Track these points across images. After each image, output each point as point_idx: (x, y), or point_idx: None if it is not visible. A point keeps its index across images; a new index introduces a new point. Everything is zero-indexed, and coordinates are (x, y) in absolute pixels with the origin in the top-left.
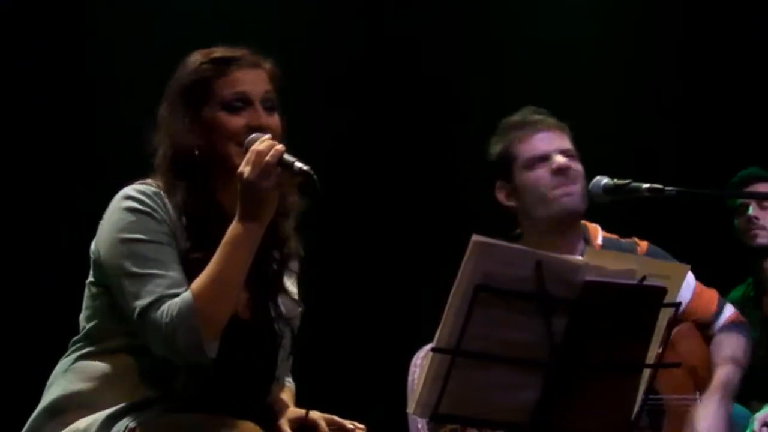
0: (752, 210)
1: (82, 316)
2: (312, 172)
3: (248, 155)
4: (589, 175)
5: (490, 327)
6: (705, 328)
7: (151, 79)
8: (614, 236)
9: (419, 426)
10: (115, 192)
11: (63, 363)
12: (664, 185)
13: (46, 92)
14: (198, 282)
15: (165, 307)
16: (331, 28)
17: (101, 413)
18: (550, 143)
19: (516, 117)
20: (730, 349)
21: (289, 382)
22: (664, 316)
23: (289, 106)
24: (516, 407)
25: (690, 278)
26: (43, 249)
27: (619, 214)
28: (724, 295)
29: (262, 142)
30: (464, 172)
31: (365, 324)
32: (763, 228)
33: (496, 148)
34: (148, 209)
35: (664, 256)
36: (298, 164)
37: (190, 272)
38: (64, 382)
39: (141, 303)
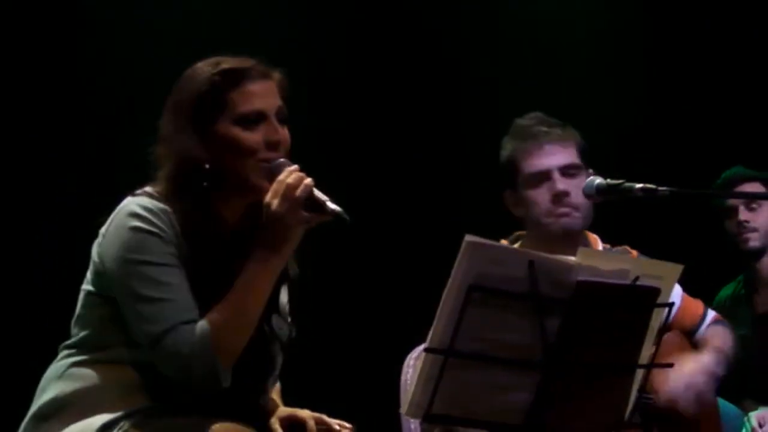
0: (741, 214)
1: (75, 322)
2: (345, 215)
3: (276, 186)
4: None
5: (483, 327)
6: (691, 335)
7: (141, 81)
8: (607, 246)
9: (412, 427)
10: (107, 194)
11: (55, 368)
12: (657, 185)
13: (31, 90)
14: (216, 312)
15: (181, 335)
16: (327, 24)
17: (96, 419)
18: (552, 159)
19: (524, 122)
20: (716, 341)
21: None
22: (657, 316)
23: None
24: (509, 407)
25: (677, 288)
26: (30, 250)
27: (611, 214)
28: (715, 292)
29: (291, 174)
30: (458, 173)
31: (358, 324)
32: (754, 230)
33: (504, 153)
34: (156, 230)
35: None
36: (331, 205)
37: (198, 288)
38: (57, 387)
39: (155, 329)
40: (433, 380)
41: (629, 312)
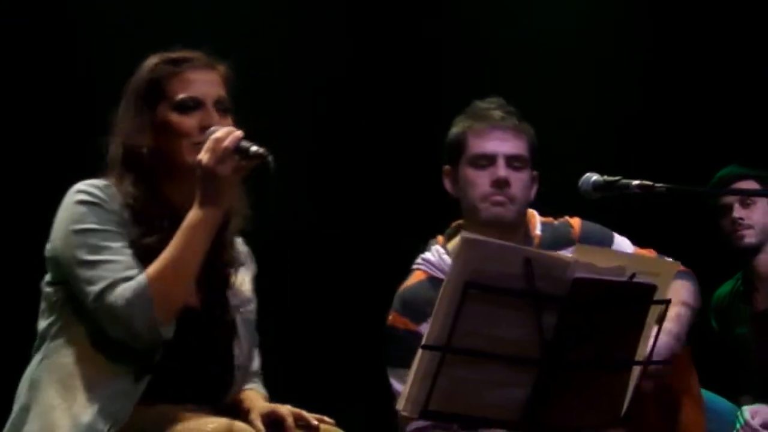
0: (736, 211)
1: (40, 322)
2: (267, 154)
3: (207, 143)
4: (578, 173)
5: (479, 324)
6: None
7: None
8: (549, 219)
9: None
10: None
11: (32, 368)
12: (654, 182)
13: (29, 90)
14: (154, 265)
15: (119, 289)
16: (320, 27)
17: (79, 420)
18: (500, 145)
19: (483, 104)
20: (678, 294)
21: (261, 389)
22: (654, 313)
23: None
24: (506, 404)
25: (627, 243)
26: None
27: (608, 209)
28: (713, 290)
29: (219, 130)
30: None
31: (355, 320)
32: (750, 227)
33: (454, 129)
34: (97, 200)
35: (600, 232)
36: (254, 147)
37: (141, 259)
38: (36, 385)
39: (95, 288)
40: (430, 377)
41: (626, 309)
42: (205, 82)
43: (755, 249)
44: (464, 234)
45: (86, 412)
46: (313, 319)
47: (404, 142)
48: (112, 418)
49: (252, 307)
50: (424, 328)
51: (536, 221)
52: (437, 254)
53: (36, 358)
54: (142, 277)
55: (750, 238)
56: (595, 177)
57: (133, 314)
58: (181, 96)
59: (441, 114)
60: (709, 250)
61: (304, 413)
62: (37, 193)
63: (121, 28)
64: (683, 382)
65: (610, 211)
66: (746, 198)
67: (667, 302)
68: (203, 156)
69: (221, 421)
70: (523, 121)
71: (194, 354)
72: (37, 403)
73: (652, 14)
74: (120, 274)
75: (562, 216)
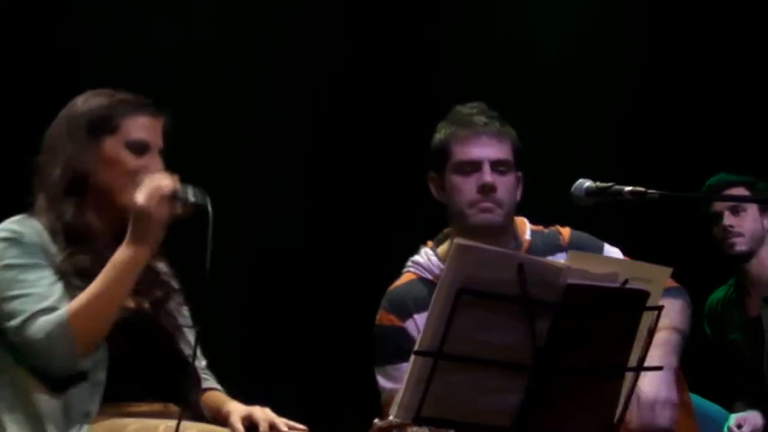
0: (726, 219)
1: None
2: (205, 203)
3: (145, 185)
4: (571, 179)
5: (472, 330)
6: None
7: (142, 81)
8: (539, 227)
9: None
10: None
11: None
12: (652, 185)
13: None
14: (78, 299)
15: (39, 322)
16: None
17: None
18: (484, 151)
19: (465, 110)
20: (668, 316)
21: (221, 388)
22: (647, 319)
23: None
24: (499, 410)
25: (617, 252)
26: None
27: (601, 216)
28: (706, 296)
29: (156, 174)
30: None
31: (348, 325)
32: (740, 235)
33: (437, 136)
34: (15, 236)
35: (590, 241)
36: (192, 196)
37: (76, 277)
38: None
39: (14, 323)
40: (423, 383)
41: (619, 315)
42: (154, 129)
43: (746, 256)
44: (457, 240)
45: None
46: (306, 324)
47: (403, 143)
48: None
49: (188, 314)
50: (410, 325)
51: (526, 227)
52: (426, 256)
53: None
54: (63, 312)
55: (740, 246)
56: (587, 183)
57: (53, 347)
58: (135, 137)
59: (440, 114)
60: (702, 256)
61: (276, 420)
62: None
63: (121, 28)
64: None
65: (605, 217)
66: (736, 206)
67: (660, 308)
68: (139, 197)
69: (201, 427)
70: (505, 124)
71: (146, 351)
72: None
73: (652, 14)
74: (37, 306)
75: (553, 225)
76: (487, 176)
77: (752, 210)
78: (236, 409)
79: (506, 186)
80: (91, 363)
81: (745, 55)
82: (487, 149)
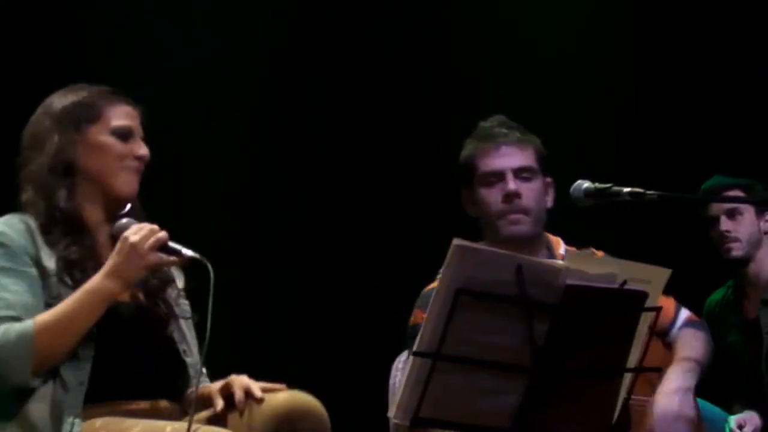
0: (723, 223)
1: None
2: (204, 260)
3: (142, 227)
4: (570, 179)
5: (471, 331)
6: (664, 335)
7: (142, 81)
8: (573, 249)
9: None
10: None
11: None
12: (645, 189)
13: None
14: (46, 316)
15: (2, 328)
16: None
17: None
18: (505, 160)
19: (486, 124)
20: (688, 348)
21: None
22: (645, 320)
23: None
24: (497, 411)
25: None
26: None
27: (601, 219)
28: (704, 297)
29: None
30: (452, 179)
31: (346, 327)
32: (736, 240)
33: (463, 153)
34: (1, 238)
35: None
36: (188, 251)
37: (67, 268)
38: None
39: None
40: (421, 384)
41: (617, 316)
42: (134, 117)
43: (744, 260)
44: (456, 241)
45: None
46: (306, 324)
47: (403, 143)
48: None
49: (188, 307)
50: None
51: (560, 245)
52: None
53: None
54: (29, 323)
55: (737, 251)
56: (586, 184)
57: (8, 358)
58: (119, 123)
59: (441, 113)
60: (700, 257)
61: (252, 385)
62: None
63: (121, 28)
64: None
65: (605, 218)
66: (733, 210)
67: (658, 309)
68: (133, 234)
69: (208, 429)
70: (527, 132)
71: (137, 346)
72: None
73: (652, 14)
74: (4, 313)
75: (588, 246)
76: (511, 184)
77: (749, 213)
78: (214, 385)
79: (532, 192)
80: (75, 360)
81: (745, 56)
82: (508, 158)
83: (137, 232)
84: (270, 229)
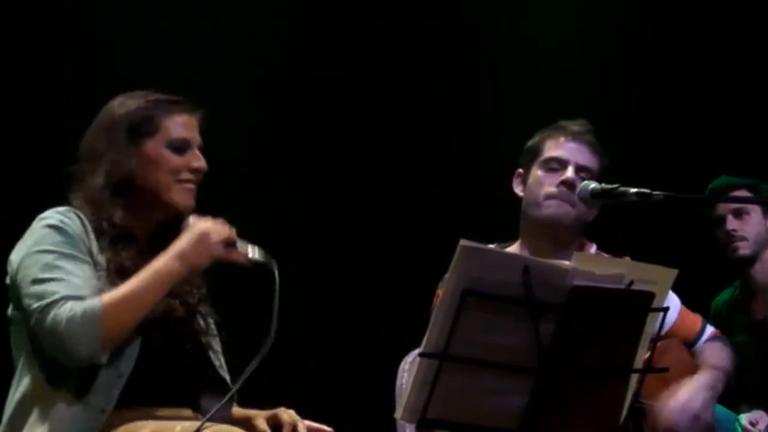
0: (729, 223)
1: (14, 354)
2: (272, 266)
3: (209, 220)
4: None
5: (477, 332)
6: (689, 347)
7: (142, 81)
8: (607, 256)
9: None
10: None
11: (12, 400)
12: (652, 190)
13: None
14: (113, 294)
15: (69, 305)
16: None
17: None
18: (574, 154)
19: (568, 122)
20: (714, 358)
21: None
22: (652, 320)
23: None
24: (504, 412)
25: (675, 300)
26: None
27: (608, 219)
28: (711, 298)
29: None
30: (456, 177)
31: (353, 328)
32: (743, 239)
33: (535, 138)
34: (60, 224)
35: None
36: (252, 253)
37: (117, 276)
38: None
39: (41, 303)
40: (428, 385)
41: (624, 316)
42: (192, 126)
43: (750, 260)
44: (462, 242)
45: None
46: (306, 324)
47: (403, 143)
48: None
49: (214, 325)
50: None
51: (592, 248)
52: None
53: (12, 391)
54: (96, 300)
55: (744, 250)
56: (593, 185)
57: (78, 333)
58: (175, 135)
59: (440, 113)
60: (707, 258)
61: (299, 422)
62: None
63: (121, 28)
64: None
65: (612, 219)
66: (739, 209)
67: (665, 310)
68: (203, 223)
69: (218, 428)
70: (600, 146)
71: (175, 352)
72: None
73: (652, 14)
74: (70, 292)
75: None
76: (571, 174)
77: (755, 213)
78: (261, 413)
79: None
80: (119, 354)
81: (746, 56)
82: (577, 153)
83: (208, 222)
84: (270, 229)
